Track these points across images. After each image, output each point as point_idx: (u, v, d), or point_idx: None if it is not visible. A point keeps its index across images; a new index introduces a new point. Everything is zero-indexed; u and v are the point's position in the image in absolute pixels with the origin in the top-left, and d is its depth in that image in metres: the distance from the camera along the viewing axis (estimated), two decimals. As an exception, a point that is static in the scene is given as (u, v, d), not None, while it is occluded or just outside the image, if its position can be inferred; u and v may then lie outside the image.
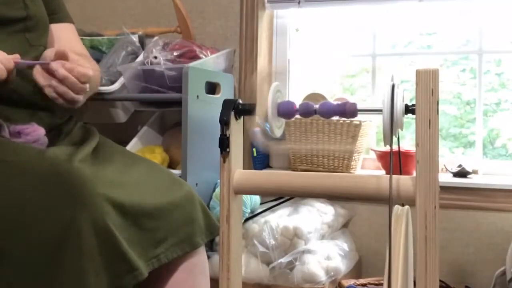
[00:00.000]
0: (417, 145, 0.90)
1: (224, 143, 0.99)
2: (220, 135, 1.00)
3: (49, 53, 1.20)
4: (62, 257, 0.95)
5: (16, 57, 1.16)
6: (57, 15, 1.42)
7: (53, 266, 0.95)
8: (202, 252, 1.26)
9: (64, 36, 1.41)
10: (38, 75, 1.17)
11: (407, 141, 2.20)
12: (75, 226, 0.96)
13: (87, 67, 1.21)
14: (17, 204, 0.98)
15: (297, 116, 1.02)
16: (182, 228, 1.18)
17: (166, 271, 1.19)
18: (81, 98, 1.22)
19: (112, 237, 0.99)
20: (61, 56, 1.19)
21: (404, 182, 0.93)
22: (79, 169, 1.02)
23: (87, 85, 1.21)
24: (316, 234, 1.85)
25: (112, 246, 0.99)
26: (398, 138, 1.00)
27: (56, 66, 1.16)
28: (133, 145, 1.98)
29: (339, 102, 1.00)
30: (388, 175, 0.92)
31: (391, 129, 0.92)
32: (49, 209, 0.96)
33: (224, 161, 1.00)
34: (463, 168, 2.03)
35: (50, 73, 1.16)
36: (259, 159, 2.19)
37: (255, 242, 1.79)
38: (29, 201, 0.98)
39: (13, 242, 0.96)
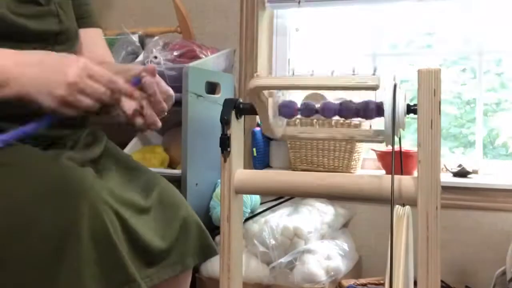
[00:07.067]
0: (419, 145, 0.89)
1: (225, 143, 0.99)
2: (221, 134, 0.99)
3: (136, 70, 1.10)
4: (61, 263, 0.94)
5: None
6: (85, 19, 1.37)
7: (52, 271, 0.94)
8: (188, 273, 1.25)
9: (91, 41, 1.36)
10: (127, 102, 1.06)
11: (406, 141, 2.20)
12: (75, 231, 0.94)
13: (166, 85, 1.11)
14: (16, 209, 0.96)
15: (298, 116, 1.02)
16: (176, 249, 1.17)
17: None
18: (159, 124, 1.10)
19: (112, 246, 0.97)
20: (150, 73, 1.08)
21: (405, 182, 0.92)
22: (82, 174, 1.00)
23: (166, 107, 1.12)
24: (316, 234, 1.85)
25: (112, 255, 0.98)
26: (400, 138, 1.00)
27: (149, 81, 1.05)
28: (133, 145, 1.98)
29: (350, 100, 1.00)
30: (390, 175, 0.91)
31: (393, 129, 0.91)
32: (50, 214, 0.95)
33: (225, 161, 1.00)
34: (463, 168, 2.02)
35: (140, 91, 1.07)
36: (259, 159, 2.18)
37: (255, 242, 1.79)
38: (29, 206, 0.96)
39: (12, 247, 0.95)
